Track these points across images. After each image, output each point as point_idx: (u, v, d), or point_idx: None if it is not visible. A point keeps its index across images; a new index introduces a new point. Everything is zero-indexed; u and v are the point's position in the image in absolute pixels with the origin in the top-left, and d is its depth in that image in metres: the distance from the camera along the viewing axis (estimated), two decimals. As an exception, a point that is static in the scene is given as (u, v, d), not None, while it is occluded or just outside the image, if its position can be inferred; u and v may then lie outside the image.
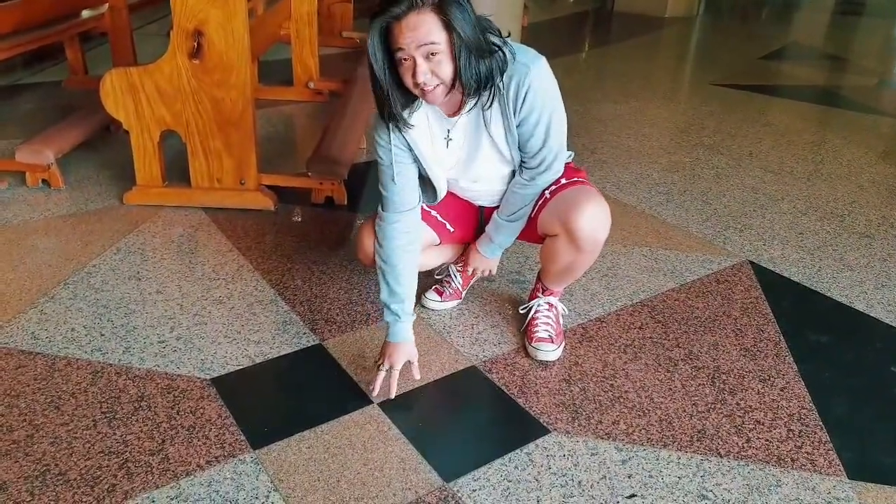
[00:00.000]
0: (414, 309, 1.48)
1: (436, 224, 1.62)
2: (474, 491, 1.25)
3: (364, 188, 2.49)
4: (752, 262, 2.08)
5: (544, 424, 1.41)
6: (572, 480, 1.28)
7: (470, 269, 1.71)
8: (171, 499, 1.21)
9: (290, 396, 1.49)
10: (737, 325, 1.76)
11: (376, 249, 1.48)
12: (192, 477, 1.25)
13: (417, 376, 1.50)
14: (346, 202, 2.35)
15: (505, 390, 1.50)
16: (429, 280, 1.84)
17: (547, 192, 1.48)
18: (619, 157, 2.92)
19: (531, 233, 1.56)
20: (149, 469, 1.26)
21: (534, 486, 1.26)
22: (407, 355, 1.46)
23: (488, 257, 1.65)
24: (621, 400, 1.48)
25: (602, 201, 1.44)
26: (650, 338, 1.70)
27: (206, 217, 2.23)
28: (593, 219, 1.41)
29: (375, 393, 1.44)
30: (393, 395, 1.44)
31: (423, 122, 1.42)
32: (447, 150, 1.45)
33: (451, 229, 1.64)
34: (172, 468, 1.27)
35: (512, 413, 1.45)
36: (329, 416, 1.40)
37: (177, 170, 2.32)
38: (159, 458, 1.29)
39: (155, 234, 2.13)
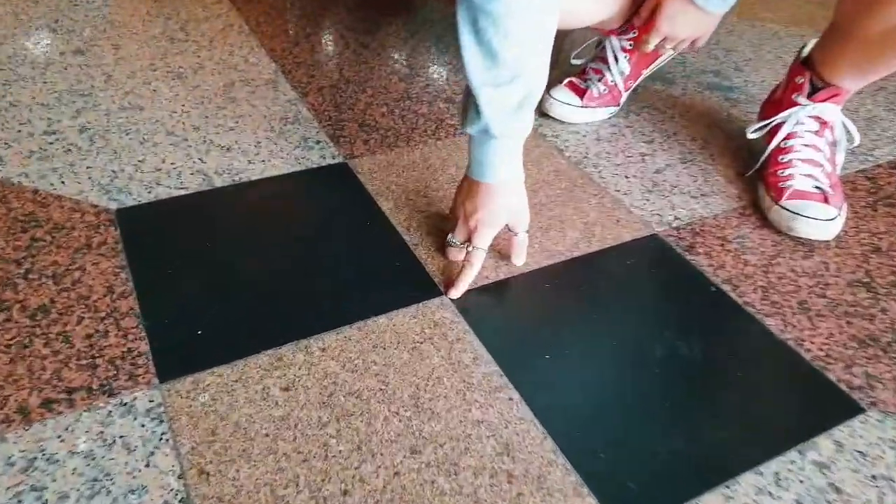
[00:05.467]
0: (535, 117, 0.64)
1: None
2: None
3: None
4: None
5: (855, 398, 0.60)
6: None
7: (651, 43, 0.83)
8: None
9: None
10: None
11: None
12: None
13: (519, 261, 0.70)
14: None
15: (741, 300, 0.69)
16: (563, 66, 0.99)
17: None
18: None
19: None
20: None
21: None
22: (507, 214, 0.67)
23: (707, 8, 0.77)
24: None
25: None
26: None
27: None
28: None
29: (456, 295, 0.66)
30: (458, 295, 0.66)
31: None
32: None
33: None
34: None
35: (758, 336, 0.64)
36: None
37: None
38: None
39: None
